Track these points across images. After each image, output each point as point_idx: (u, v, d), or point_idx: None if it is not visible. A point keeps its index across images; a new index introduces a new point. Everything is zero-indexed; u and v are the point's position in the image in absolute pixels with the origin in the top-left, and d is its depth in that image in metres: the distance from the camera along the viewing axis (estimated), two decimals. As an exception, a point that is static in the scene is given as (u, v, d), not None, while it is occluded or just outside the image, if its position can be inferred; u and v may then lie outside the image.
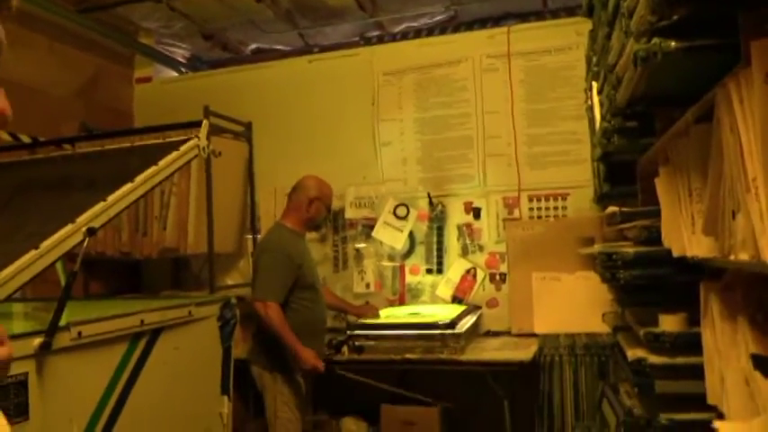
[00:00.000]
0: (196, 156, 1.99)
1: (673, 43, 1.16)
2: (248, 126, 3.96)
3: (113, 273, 4.06)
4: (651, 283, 1.81)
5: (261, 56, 4.55)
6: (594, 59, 2.87)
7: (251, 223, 3.98)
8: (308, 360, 2.73)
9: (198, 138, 1.99)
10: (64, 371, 1.54)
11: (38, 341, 1.47)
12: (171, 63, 4.59)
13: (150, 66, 4.47)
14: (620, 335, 2.21)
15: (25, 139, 2.94)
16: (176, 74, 4.62)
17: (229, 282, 3.81)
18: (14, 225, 1.70)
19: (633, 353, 1.79)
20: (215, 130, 3.64)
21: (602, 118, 2.48)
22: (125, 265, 4.04)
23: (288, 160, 3.83)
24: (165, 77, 4.52)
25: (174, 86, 4.38)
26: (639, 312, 2.01)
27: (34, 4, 3.47)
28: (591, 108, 3.12)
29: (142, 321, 1.81)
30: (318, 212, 3.00)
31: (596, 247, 2.18)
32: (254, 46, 4.62)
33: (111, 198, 1.65)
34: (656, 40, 1.18)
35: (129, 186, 1.73)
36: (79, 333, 1.59)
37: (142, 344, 1.81)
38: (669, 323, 1.71)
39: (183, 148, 1.94)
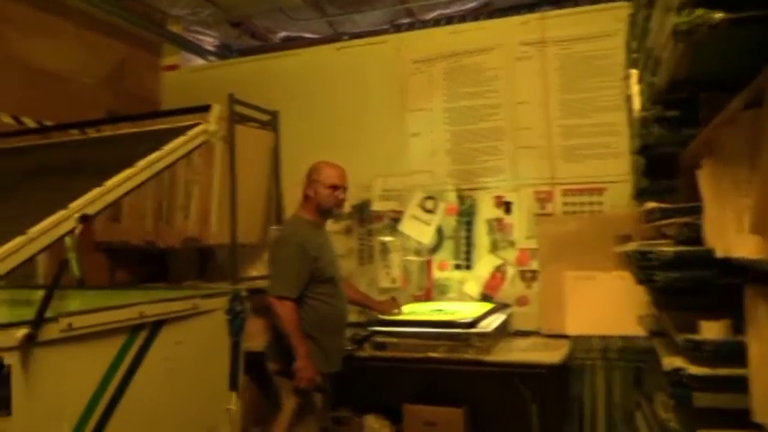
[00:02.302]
0: (205, 141, 1.91)
1: (718, 14, 1.02)
2: (275, 115, 3.90)
3: (139, 261, 4.05)
4: (691, 285, 1.66)
5: (289, 44, 4.48)
6: (634, 45, 2.71)
7: (276, 214, 3.91)
8: (307, 374, 2.58)
9: (207, 122, 1.91)
10: (52, 364, 1.48)
11: (22, 332, 1.40)
12: (199, 51, 4.55)
13: (178, 54, 4.43)
14: (656, 340, 2.06)
15: (30, 123, 2.91)
16: (204, 62, 4.58)
17: (253, 273, 3.75)
18: (19, 210, 1.64)
19: (670, 361, 1.64)
20: (240, 119, 3.61)
21: (642, 107, 2.32)
22: (151, 254, 4.01)
23: (315, 150, 3.70)
24: (192, 66, 4.48)
25: (201, 75, 4.34)
26: (678, 317, 1.86)
27: (62, -9, 3.45)
28: (630, 98, 2.96)
29: (141, 314, 1.73)
30: (320, 196, 2.81)
31: (631, 246, 2.03)
32: (282, 34, 4.55)
33: (108, 183, 1.58)
34: (699, 11, 1.04)
35: (129, 171, 1.65)
36: (69, 325, 1.52)
37: (141, 337, 1.73)
38: (710, 330, 1.56)
39: (191, 133, 1.85)
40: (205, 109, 1.96)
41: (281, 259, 2.72)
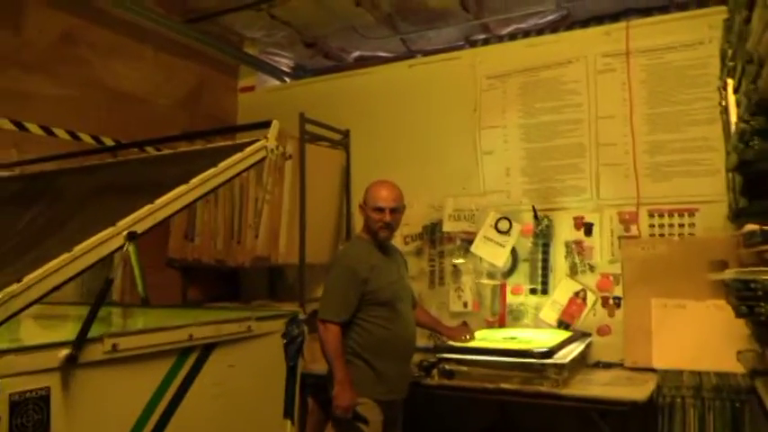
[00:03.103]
0: (264, 158, 1.86)
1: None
2: (346, 134, 3.87)
3: (212, 280, 4.10)
4: (802, 320, 1.43)
5: (363, 63, 4.44)
6: (730, 53, 2.48)
7: (346, 234, 3.86)
8: (342, 402, 2.46)
9: (266, 138, 1.85)
10: (95, 387, 1.43)
11: (63, 353, 1.37)
12: (275, 72, 4.60)
13: (254, 75, 4.50)
14: (759, 380, 1.82)
15: (109, 143, 2.99)
16: (279, 83, 4.62)
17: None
18: (77, 229, 1.63)
19: (776, 408, 1.42)
20: (312, 138, 3.59)
21: (739, 119, 2.09)
22: (224, 272, 4.05)
23: (385, 169, 3.63)
24: (267, 87, 4.53)
25: (276, 95, 4.38)
26: (785, 355, 1.63)
27: (142, 16, 3.56)
28: (725, 109, 2.70)
29: (191, 336, 1.67)
30: (368, 218, 2.72)
31: (729, 273, 1.80)
32: (356, 53, 4.53)
33: (159, 201, 1.54)
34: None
35: (182, 188, 1.61)
36: (114, 346, 1.47)
37: (191, 360, 1.67)
38: (826, 374, 1.34)
39: (249, 149, 1.80)
40: (269, 125, 1.91)
41: (330, 281, 2.64)
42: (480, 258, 3.49)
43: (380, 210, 2.67)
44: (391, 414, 2.64)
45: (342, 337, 2.54)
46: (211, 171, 1.70)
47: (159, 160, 2.38)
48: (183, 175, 1.68)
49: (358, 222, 3.82)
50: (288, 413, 1.96)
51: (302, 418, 3.23)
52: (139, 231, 1.49)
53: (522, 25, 3.94)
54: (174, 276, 3.90)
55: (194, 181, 1.65)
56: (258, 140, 1.87)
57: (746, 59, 1.89)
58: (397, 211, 2.71)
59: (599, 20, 3.69)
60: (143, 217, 1.52)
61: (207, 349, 1.74)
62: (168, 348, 1.63)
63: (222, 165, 1.72)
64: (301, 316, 2.07)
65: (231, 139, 2.27)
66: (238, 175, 1.85)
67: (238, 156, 1.78)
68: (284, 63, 4.66)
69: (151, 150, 3.07)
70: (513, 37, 3.97)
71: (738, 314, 1.53)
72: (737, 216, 2.79)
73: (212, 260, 3.69)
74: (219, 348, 1.77)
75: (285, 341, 1.97)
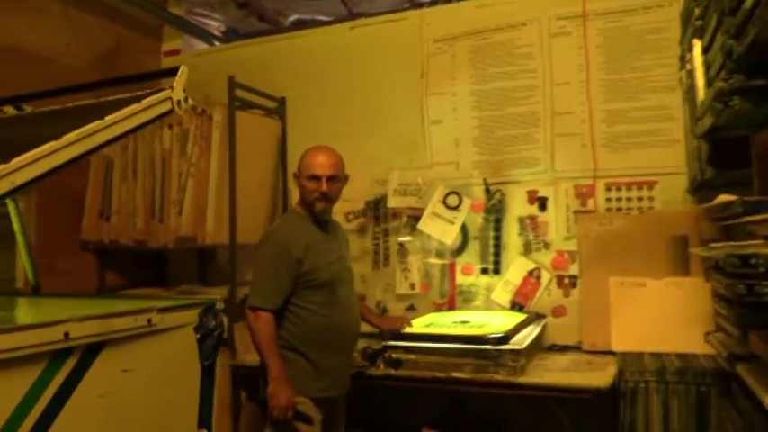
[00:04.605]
0: (170, 111, 1.53)
1: None
2: (282, 102, 3.57)
3: (134, 263, 3.71)
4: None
5: (300, 28, 4.10)
6: (697, 12, 2.29)
7: (283, 211, 3.55)
8: (279, 402, 2.16)
9: (171, 89, 1.52)
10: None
11: None
12: (204, 36, 4.20)
13: (180, 38, 4.09)
14: (740, 366, 1.64)
15: None
16: (208, 47, 4.23)
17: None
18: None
19: (778, 402, 1.23)
20: (243, 105, 3.26)
21: (714, 78, 1.90)
22: (148, 255, 3.67)
23: (324, 140, 3.27)
24: (195, 50, 4.13)
25: (205, 59, 3.97)
26: (774, 339, 1.44)
27: (46, -35, 3.12)
28: (690, 74, 2.53)
29: (66, 334, 1.33)
30: (302, 189, 2.40)
31: (718, 249, 1.60)
32: (294, 17, 4.18)
33: (16, 161, 1.19)
34: None
35: (50, 146, 1.26)
36: (-43, 352, 1.13)
37: (69, 366, 1.33)
38: (839, 363, 1.15)
39: (147, 100, 1.47)
40: (175, 72, 1.57)
41: (259, 263, 2.33)
42: (428, 236, 3.25)
43: (316, 178, 2.36)
44: (332, 413, 2.37)
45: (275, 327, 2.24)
46: (95, 125, 1.35)
47: (39, 118, 2.00)
48: (62, 132, 1.33)
49: (296, 197, 3.52)
50: (203, 423, 1.65)
51: (236, 413, 2.94)
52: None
53: (472, -13, 3.68)
54: (90, 261, 3.50)
55: (69, 137, 1.30)
56: (162, 90, 1.53)
57: (729, 9, 1.68)
58: (336, 179, 2.40)
59: (552, -19, 3.47)
60: (-9, 179, 1.16)
61: (92, 351, 1.39)
62: (34, 352, 1.27)
63: (109, 118, 1.38)
64: (219, 305, 1.74)
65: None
66: (135, 131, 1.51)
67: (133, 108, 1.44)
68: (213, 26, 4.26)
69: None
70: (461, -1, 3.71)
71: (733, 294, 1.31)
72: (699, 188, 2.64)
73: (131, 241, 3.30)
74: (109, 349, 1.43)
75: (199, 335, 1.65)
